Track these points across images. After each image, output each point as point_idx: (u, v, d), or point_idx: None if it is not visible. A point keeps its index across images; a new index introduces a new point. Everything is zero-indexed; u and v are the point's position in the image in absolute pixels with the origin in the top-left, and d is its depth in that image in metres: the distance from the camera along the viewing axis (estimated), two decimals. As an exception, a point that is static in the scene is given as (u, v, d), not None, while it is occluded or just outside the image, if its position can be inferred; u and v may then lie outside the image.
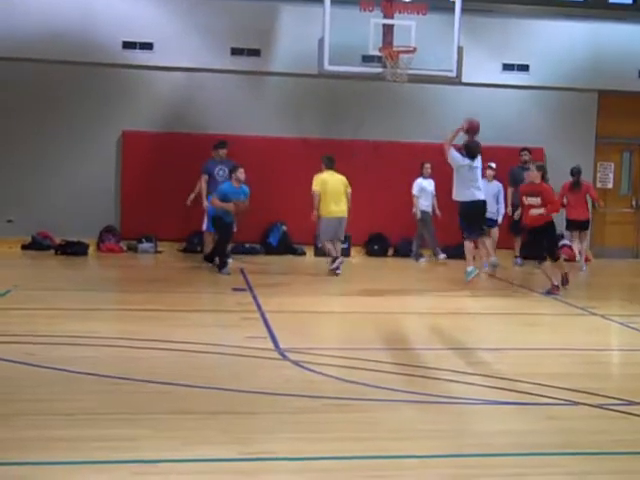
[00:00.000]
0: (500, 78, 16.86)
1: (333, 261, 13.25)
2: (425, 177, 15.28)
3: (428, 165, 15.21)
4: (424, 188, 15.21)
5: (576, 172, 14.87)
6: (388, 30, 13.78)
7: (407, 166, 15.62)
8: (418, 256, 15.35)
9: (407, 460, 5.15)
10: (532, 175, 12.04)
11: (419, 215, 15.12)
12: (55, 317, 9.21)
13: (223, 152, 14.34)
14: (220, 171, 14.17)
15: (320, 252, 14.59)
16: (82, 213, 15.48)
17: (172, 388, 6.50)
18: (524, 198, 12.05)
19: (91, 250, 15.17)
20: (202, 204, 14.15)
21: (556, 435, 5.71)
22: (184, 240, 15.67)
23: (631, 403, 6.49)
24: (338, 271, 13.21)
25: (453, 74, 13.99)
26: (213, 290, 11.91)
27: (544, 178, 12.14)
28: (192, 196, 14.45)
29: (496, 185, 14.92)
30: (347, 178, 13.36)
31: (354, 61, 14.30)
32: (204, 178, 14.15)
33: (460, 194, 12.34)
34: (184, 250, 15.51)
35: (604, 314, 10.51)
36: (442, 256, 15.09)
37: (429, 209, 15.27)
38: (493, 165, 14.80)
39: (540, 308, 11.24)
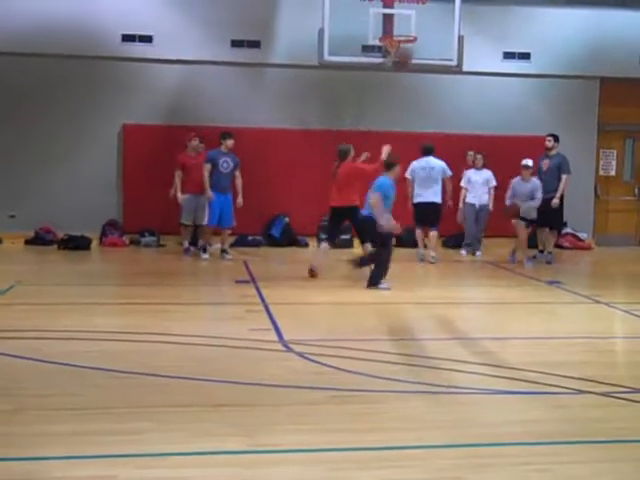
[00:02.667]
0: (501, 66, 16.81)
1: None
2: (477, 168, 14.90)
3: (473, 154, 15.05)
4: (471, 180, 14.86)
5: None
6: (388, 20, 13.76)
7: (407, 156, 15.51)
8: (464, 246, 15.17)
9: (415, 450, 5.14)
10: None
11: (460, 206, 14.86)
12: (59, 312, 9.20)
13: (230, 143, 13.79)
14: (224, 163, 13.83)
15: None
16: (84, 207, 15.47)
17: (176, 381, 6.49)
18: None
19: (94, 244, 15.15)
20: (206, 194, 13.73)
21: (563, 424, 5.69)
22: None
23: (637, 391, 6.47)
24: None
25: (454, 63, 13.96)
26: (216, 283, 11.89)
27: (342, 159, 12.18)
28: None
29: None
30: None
31: (354, 51, 14.24)
32: (207, 167, 13.64)
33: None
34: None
35: (608, 302, 10.49)
36: (463, 252, 15.04)
37: (476, 201, 14.77)
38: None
39: (543, 297, 11.19)
